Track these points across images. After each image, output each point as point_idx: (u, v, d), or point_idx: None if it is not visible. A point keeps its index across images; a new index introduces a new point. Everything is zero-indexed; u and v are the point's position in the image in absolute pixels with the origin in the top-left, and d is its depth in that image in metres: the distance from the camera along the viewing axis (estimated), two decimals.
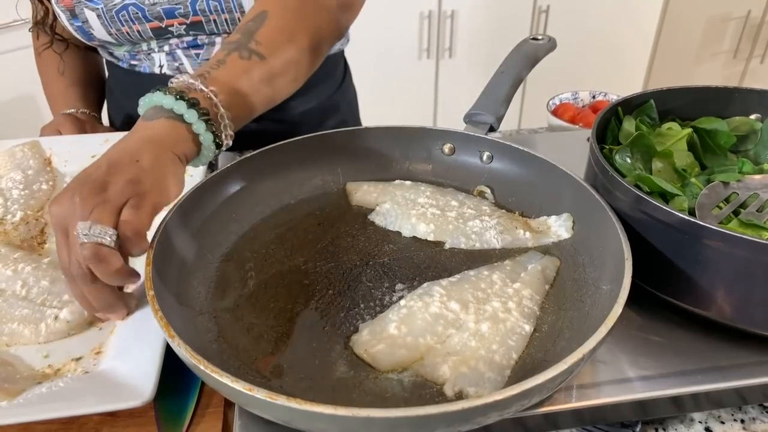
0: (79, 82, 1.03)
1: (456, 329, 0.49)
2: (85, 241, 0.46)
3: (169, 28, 0.86)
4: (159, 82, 0.92)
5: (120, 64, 0.95)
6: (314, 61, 0.72)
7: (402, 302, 0.52)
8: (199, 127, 0.54)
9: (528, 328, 0.49)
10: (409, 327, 0.49)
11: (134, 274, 0.51)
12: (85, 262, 0.47)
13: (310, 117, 1.00)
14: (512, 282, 0.53)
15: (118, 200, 0.48)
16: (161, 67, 0.91)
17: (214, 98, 0.56)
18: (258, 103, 0.62)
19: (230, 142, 0.57)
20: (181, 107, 0.53)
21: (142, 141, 0.52)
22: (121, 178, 0.49)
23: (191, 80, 0.56)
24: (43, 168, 0.79)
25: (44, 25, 0.95)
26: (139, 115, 0.56)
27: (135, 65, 0.93)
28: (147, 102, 0.55)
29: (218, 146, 0.57)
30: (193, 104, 0.54)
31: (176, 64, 0.90)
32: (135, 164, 0.50)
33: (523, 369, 0.46)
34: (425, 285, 0.54)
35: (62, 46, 0.99)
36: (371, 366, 0.47)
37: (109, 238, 0.46)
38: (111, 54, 0.95)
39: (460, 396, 0.44)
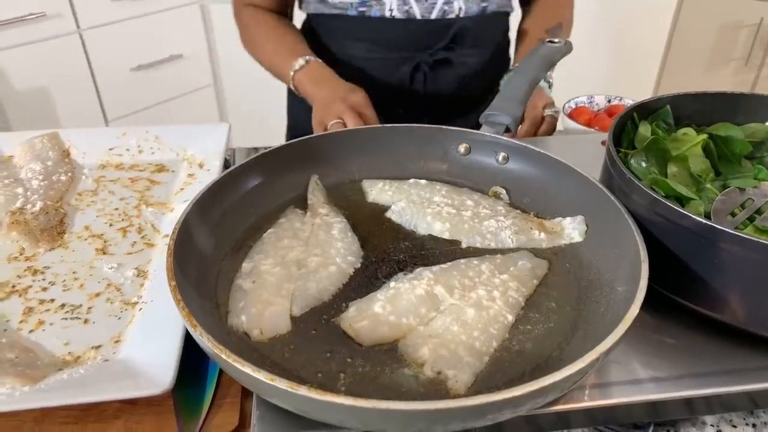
0: (302, 40, 1.03)
1: (439, 312, 0.50)
2: None
3: None
4: (388, 25, 0.97)
5: (348, 12, 0.98)
6: None
7: (392, 283, 0.53)
8: None
9: (510, 317, 0.51)
10: (393, 306, 0.50)
11: None
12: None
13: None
14: (500, 273, 0.55)
15: None
16: (391, 10, 0.96)
17: None
18: None
19: None
20: None
21: None
22: None
23: None
24: (61, 159, 0.80)
25: None
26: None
27: (364, 11, 0.97)
28: None
29: None
30: None
31: (406, 7, 0.96)
32: None
33: (537, 367, 0.47)
34: (417, 270, 0.55)
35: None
36: (356, 341, 0.49)
37: None
38: (334, 6, 0.98)
39: (438, 376, 0.45)
